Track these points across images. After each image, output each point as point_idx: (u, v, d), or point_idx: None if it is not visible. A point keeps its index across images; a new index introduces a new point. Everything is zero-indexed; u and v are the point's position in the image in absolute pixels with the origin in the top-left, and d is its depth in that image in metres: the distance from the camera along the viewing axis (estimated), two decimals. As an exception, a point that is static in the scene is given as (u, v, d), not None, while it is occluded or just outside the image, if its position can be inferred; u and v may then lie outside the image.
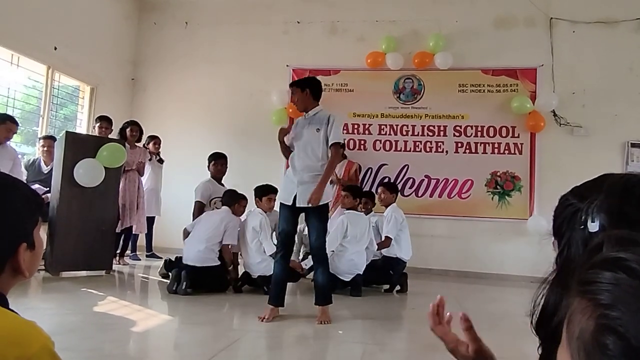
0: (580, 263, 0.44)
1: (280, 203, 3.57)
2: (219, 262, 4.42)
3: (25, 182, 4.84)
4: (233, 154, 5.70)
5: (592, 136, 6.20)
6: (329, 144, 3.45)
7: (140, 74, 7.50)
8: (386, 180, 6.44)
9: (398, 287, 4.96)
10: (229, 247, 4.48)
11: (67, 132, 4.83)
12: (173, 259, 4.80)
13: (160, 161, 6.37)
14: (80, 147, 4.70)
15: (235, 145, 6.59)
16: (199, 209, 4.92)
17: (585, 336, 0.40)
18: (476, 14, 6.65)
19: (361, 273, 4.61)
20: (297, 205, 3.44)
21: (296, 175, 3.49)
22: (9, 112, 5.11)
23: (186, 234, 4.66)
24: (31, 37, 5.47)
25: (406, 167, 6.62)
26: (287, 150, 3.67)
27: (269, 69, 6.96)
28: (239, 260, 4.73)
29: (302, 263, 4.85)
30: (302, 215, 3.55)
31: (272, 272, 3.67)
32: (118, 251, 5.55)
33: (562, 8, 6.41)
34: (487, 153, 6.47)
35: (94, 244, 4.75)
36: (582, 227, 0.51)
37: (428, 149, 6.61)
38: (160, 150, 6.35)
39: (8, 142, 4.69)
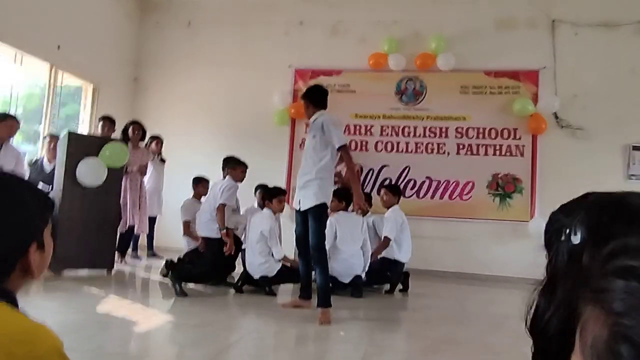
0: (590, 271, 0.46)
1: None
2: (219, 236, 4.46)
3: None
4: (235, 155, 5.69)
5: (594, 139, 6.20)
6: (336, 149, 3.58)
7: (142, 73, 7.51)
8: (387, 181, 6.46)
9: (400, 287, 4.96)
10: (224, 206, 4.49)
11: (69, 131, 4.84)
12: (175, 260, 4.82)
13: (162, 161, 6.38)
14: (82, 146, 4.72)
15: (237, 145, 6.58)
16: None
17: (598, 344, 0.40)
18: (478, 16, 6.66)
19: (360, 274, 4.61)
20: (296, 208, 3.73)
21: (299, 181, 3.75)
22: (12, 111, 5.13)
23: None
24: (34, 36, 5.49)
25: (407, 168, 6.62)
26: None
27: (271, 70, 6.97)
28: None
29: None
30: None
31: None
32: (122, 250, 5.56)
33: (564, 10, 6.42)
34: (488, 155, 6.48)
35: (96, 243, 4.76)
36: (567, 239, 0.55)
37: (429, 151, 6.62)
38: (162, 150, 6.37)
39: (11, 141, 4.69)
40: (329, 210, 3.83)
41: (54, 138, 5.26)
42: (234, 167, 4.81)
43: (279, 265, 4.38)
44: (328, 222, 4.56)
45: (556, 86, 6.36)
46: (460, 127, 6.57)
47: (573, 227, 0.57)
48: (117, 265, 5.24)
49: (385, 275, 4.93)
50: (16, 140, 5.58)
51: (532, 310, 0.57)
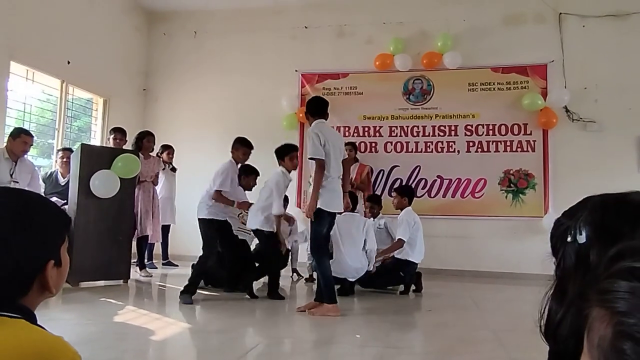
0: (596, 273, 0.47)
1: None
2: (209, 217, 4.46)
3: (44, 195, 4.94)
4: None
5: (606, 131, 6.13)
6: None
7: (151, 84, 7.59)
8: (398, 182, 6.45)
9: (413, 287, 4.96)
10: (220, 192, 4.45)
11: (82, 144, 4.91)
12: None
13: (173, 169, 6.44)
14: (95, 158, 4.78)
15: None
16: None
17: (604, 344, 0.42)
18: (484, 12, 6.63)
19: (361, 275, 4.70)
20: None
21: None
22: (25, 126, 5.22)
23: None
24: (45, 53, 5.59)
25: (418, 168, 6.60)
26: None
27: (279, 75, 7.01)
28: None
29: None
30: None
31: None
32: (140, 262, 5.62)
33: (571, 3, 6.36)
34: (499, 151, 6.43)
35: (112, 253, 4.82)
36: (573, 240, 0.57)
37: (439, 149, 6.59)
38: (173, 159, 6.42)
39: (25, 156, 4.78)
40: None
41: (66, 152, 5.34)
42: (237, 147, 4.63)
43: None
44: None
45: (565, 80, 6.30)
46: (470, 125, 6.53)
47: (578, 227, 0.57)
48: (136, 274, 5.30)
49: (399, 275, 4.93)
50: (31, 155, 5.68)
51: (545, 315, 0.58)
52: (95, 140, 6.68)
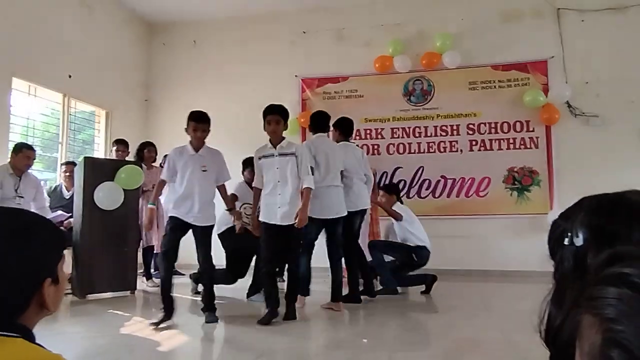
0: (585, 280, 0.46)
1: None
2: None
3: (49, 209, 4.97)
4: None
5: (609, 125, 6.09)
6: None
7: (153, 95, 7.63)
8: (402, 183, 6.45)
9: (423, 288, 4.94)
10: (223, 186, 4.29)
11: (85, 157, 4.94)
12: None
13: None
14: (98, 171, 4.81)
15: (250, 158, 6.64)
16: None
17: (593, 351, 0.41)
18: (481, 10, 6.62)
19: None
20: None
21: None
22: (29, 141, 5.26)
23: None
24: (46, 68, 5.63)
25: (421, 168, 6.58)
26: None
27: (279, 81, 7.02)
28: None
29: None
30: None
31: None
32: (147, 273, 5.63)
33: (569, -3, 6.35)
34: (502, 149, 6.41)
35: (118, 265, 4.84)
36: (570, 243, 0.56)
37: (442, 149, 6.58)
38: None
39: (29, 170, 4.81)
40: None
41: (70, 165, 5.37)
42: (249, 170, 4.80)
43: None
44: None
45: (566, 75, 6.28)
46: (472, 124, 6.52)
47: (574, 229, 0.57)
48: (140, 285, 5.31)
49: (413, 261, 4.94)
50: (36, 169, 5.72)
51: (545, 320, 0.58)
52: (99, 153, 6.71)
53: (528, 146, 6.34)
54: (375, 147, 6.76)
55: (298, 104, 6.99)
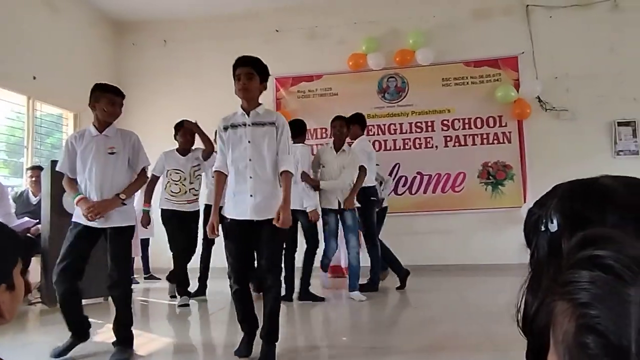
0: (557, 266, 0.45)
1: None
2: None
3: (15, 215, 4.78)
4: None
5: (579, 119, 6.23)
6: None
7: (123, 96, 7.44)
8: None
9: (398, 284, 4.93)
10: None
11: (52, 161, 4.75)
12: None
13: (150, 182, 6.31)
14: (67, 175, 4.64)
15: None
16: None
17: (568, 339, 0.40)
18: (454, 8, 6.69)
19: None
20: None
21: None
22: (-7, 146, 5.06)
23: None
24: (8, 69, 5.41)
25: (397, 165, 6.61)
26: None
27: (252, 80, 6.93)
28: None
29: None
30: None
31: None
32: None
33: (537, -6, 6.47)
34: (476, 144, 6.49)
35: (90, 271, 4.67)
36: (544, 230, 0.55)
37: (417, 146, 6.62)
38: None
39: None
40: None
41: (36, 170, 5.18)
42: None
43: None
44: None
45: (536, 70, 6.39)
46: (446, 120, 6.58)
47: (549, 215, 0.56)
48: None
49: (371, 202, 4.86)
50: (2, 175, 5.51)
51: (522, 308, 0.56)
52: (68, 156, 6.50)
53: (501, 141, 6.44)
54: (351, 144, 6.73)
55: (272, 103, 6.92)
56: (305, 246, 4.59)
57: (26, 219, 4.87)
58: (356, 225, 4.59)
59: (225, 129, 2.85)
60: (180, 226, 4.50)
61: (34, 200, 5.13)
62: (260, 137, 2.77)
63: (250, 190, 2.72)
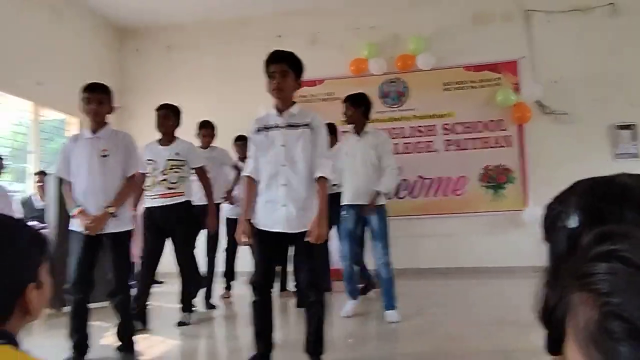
0: (574, 260, 0.48)
1: None
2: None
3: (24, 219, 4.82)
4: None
5: (579, 122, 6.28)
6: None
7: (126, 101, 7.49)
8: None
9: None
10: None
11: (57, 166, 4.80)
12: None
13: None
14: (72, 179, 4.67)
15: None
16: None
17: (590, 326, 0.42)
18: (454, 13, 6.75)
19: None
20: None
21: None
22: (-1, 151, 5.10)
23: None
24: (14, 75, 5.47)
25: (399, 169, 6.63)
26: None
27: (255, 85, 6.89)
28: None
29: None
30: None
31: None
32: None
33: (537, 0, 6.53)
34: (477, 148, 6.53)
35: (95, 275, 4.70)
36: (564, 225, 0.57)
37: (419, 150, 6.66)
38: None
39: (-4, 180, 4.65)
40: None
41: (41, 175, 5.23)
42: None
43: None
44: None
45: (536, 74, 6.44)
46: (447, 124, 6.62)
47: (568, 211, 0.58)
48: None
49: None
50: (6, 180, 5.54)
51: (542, 300, 0.59)
52: (72, 161, 6.55)
53: (502, 145, 6.48)
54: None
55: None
56: None
57: (33, 223, 4.91)
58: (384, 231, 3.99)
59: (259, 130, 2.62)
60: (155, 228, 4.00)
61: (39, 205, 5.17)
62: (294, 140, 2.52)
63: (283, 200, 2.48)
